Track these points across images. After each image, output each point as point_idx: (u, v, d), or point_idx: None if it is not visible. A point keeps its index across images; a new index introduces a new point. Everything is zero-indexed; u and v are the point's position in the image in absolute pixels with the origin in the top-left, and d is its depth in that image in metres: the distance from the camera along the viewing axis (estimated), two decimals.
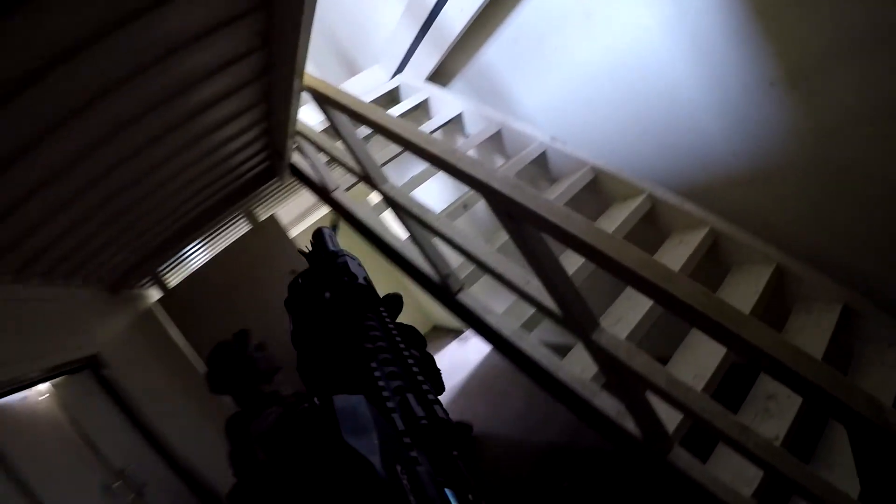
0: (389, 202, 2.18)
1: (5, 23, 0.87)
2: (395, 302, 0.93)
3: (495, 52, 2.63)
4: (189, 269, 3.69)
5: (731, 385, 1.79)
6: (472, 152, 2.88)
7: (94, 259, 2.26)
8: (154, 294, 3.44)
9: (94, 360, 2.10)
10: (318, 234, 1.13)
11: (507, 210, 1.34)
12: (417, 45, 2.90)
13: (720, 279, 2.10)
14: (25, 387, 1.67)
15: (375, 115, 1.82)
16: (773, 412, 1.66)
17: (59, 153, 1.41)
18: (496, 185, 1.33)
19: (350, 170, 2.40)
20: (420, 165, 2.55)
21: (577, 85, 2.38)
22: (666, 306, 1.14)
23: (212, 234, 3.54)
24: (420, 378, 0.71)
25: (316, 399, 0.72)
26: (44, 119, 1.24)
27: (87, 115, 1.30)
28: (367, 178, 2.23)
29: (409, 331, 0.87)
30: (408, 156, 2.11)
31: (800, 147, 1.85)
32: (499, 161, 2.90)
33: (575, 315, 1.48)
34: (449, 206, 2.37)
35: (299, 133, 2.57)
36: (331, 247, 1.07)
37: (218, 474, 2.08)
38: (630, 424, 1.65)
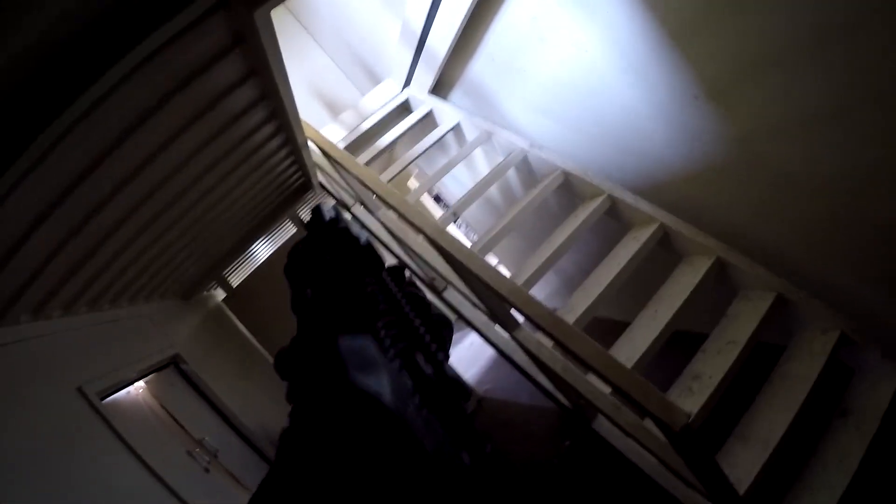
0: (384, 226, 2.61)
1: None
2: (398, 271, 1.01)
3: (480, 67, 2.94)
4: (248, 271, 4.33)
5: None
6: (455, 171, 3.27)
7: (171, 276, 2.90)
8: (219, 294, 4.12)
9: (176, 358, 2.75)
10: (317, 208, 1.17)
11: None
12: (416, 63, 3.25)
13: (673, 266, 2.40)
14: (128, 385, 2.32)
15: (357, 169, 2.21)
16: (694, 391, 1.96)
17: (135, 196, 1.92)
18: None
19: (351, 196, 2.84)
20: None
21: (545, 97, 2.65)
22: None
23: (266, 238, 4.13)
24: (427, 339, 0.79)
25: (309, 291, 0.80)
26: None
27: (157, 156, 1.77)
28: (364, 203, 2.67)
29: (414, 297, 0.96)
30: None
31: (729, 151, 2.06)
32: (491, 163, 3.24)
33: (501, 318, 1.88)
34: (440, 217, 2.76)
35: (316, 164, 3.03)
36: (330, 216, 1.10)
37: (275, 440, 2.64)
38: (561, 396, 2.03)
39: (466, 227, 5.83)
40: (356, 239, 0.90)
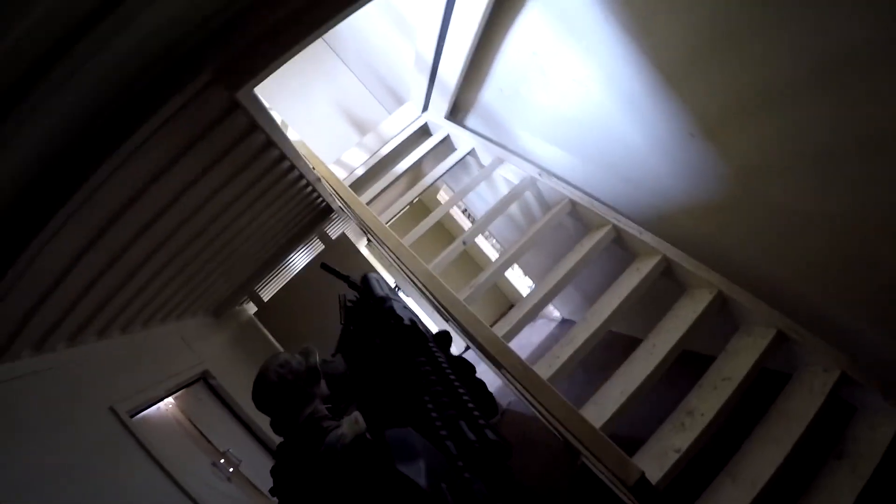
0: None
1: None
2: (444, 338, 1.04)
3: (490, 96, 3.01)
4: (279, 285, 4.54)
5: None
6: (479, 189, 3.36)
7: (201, 296, 3.11)
8: (251, 308, 4.35)
9: (204, 374, 2.95)
10: (364, 281, 1.24)
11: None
12: (431, 90, 3.36)
13: (677, 297, 2.41)
14: (157, 402, 2.52)
15: (360, 209, 2.32)
16: (686, 426, 1.98)
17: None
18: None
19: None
20: None
21: (551, 127, 2.70)
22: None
23: (297, 252, 4.31)
24: (471, 406, 0.84)
25: (368, 434, 0.90)
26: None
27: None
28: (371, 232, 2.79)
29: (459, 362, 1.00)
30: None
31: (728, 187, 2.06)
32: (509, 182, 3.31)
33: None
34: (449, 248, 2.83)
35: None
36: (378, 292, 1.17)
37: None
38: None
39: (494, 239, 5.90)
40: (401, 319, 0.96)
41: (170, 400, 2.68)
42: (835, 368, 1.94)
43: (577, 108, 2.41)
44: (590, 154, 2.60)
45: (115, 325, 2.38)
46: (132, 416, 2.24)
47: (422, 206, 6.33)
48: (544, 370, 2.28)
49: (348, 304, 1.17)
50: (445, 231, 6.77)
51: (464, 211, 6.30)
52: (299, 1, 1.39)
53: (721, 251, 2.26)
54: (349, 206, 2.35)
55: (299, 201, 3.03)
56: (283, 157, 2.18)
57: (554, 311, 5.51)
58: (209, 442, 2.66)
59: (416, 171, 3.78)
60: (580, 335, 2.30)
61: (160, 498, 2.12)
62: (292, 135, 2.89)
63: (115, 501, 1.94)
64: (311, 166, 2.57)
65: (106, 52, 1.06)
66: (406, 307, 1.05)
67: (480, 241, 5.89)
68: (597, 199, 2.70)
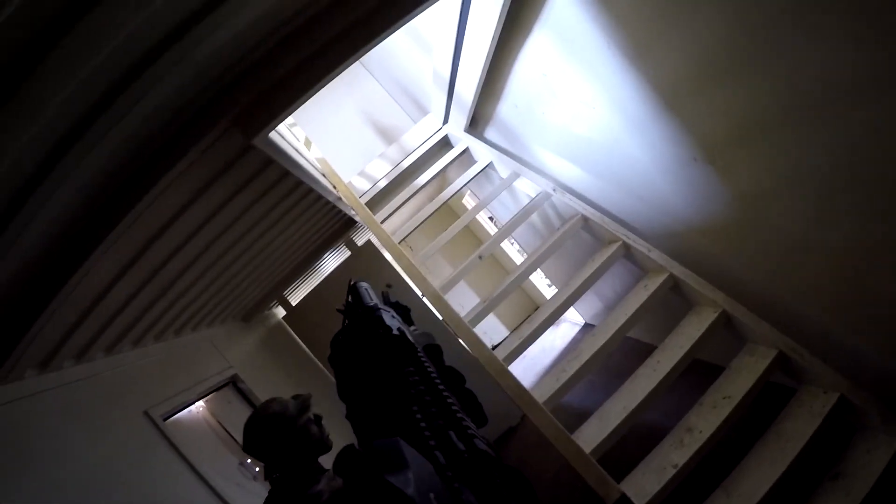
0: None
1: None
2: (434, 350, 1.07)
3: (506, 111, 3.08)
4: (307, 290, 4.72)
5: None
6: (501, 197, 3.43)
7: (231, 304, 3.30)
8: (280, 312, 4.54)
9: (234, 378, 3.14)
10: (354, 290, 1.24)
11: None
12: (450, 104, 3.45)
13: (685, 313, 2.45)
14: (189, 405, 2.71)
15: (374, 228, 2.42)
16: (685, 443, 2.03)
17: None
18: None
19: None
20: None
21: (564, 145, 2.76)
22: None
23: (326, 256, 4.48)
24: (460, 415, 0.84)
25: (356, 445, 0.82)
26: None
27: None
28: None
29: (450, 372, 1.02)
30: None
31: (732, 210, 2.08)
32: (521, 202, 3.38)
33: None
34: (466, 262, 2.93)
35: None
36: (367, 301, 1.16)
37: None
38: None
39: (519, 245, 5.95)
40: (389, 329, 0.97)
41: (201, 403, 2.86)
42: (834, 391, 1.96)
43: (587, 128, 2.46)
44: (601, 171, 2.64)
45: (149, 335, 2.57)
46: (165, 420, 2.42)
47: (449, 210, 6.43)
48: (552, 383, 2.36)
49: (337, 309, 1.18)
50: (472, 234, 6.86)
51: (490, 218, 6.38)
52: (309, 49, 1.50)
53: (726, 270, 2.28)
54: (366, 225, 2.46)
55: (322, 216, 3.18)
56: (300, 182, 2.31)
57: (577, 316, 5.54)
58: (237, 442, 2.84)
59: (442, 178, 3.87)
60: (587, 351, 2.36)
61: (191, 496, 2.29)
62: (314, 152, 3.03)
63: (151, 498, 2.12)
64: (332, 185, 2.69)
65: (129, 116, 1.19)
66: (394, 316, 1.06)
67: (506, 245, 5.97)
68: (608, 215, 2.74)
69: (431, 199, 3.91)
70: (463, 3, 2.31)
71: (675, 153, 2.10)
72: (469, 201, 5.99)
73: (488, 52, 2.48)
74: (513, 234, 4.88)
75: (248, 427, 1.49)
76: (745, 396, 2.02)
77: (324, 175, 2.77)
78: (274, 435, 1.43)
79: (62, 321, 1.92)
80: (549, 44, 2.26)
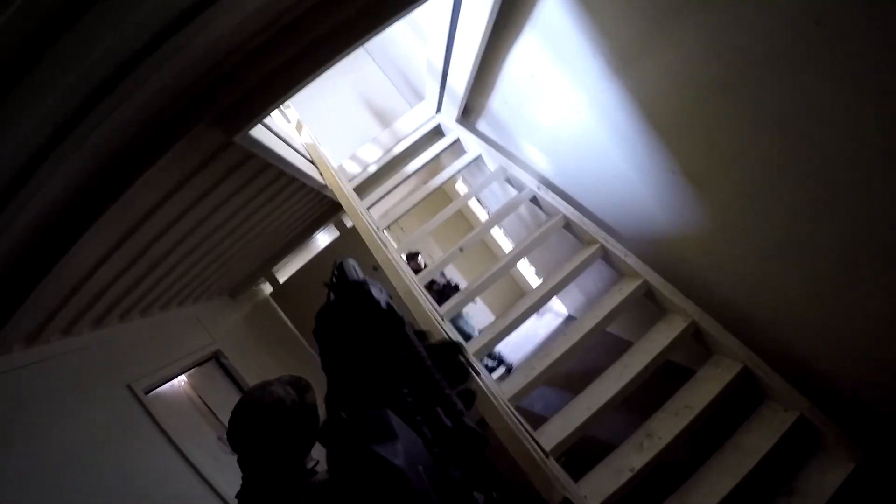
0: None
1: None
2: (423, 334, 1.04)
3: (497, 106, 3.09)
4: (295, 268, 4.77)
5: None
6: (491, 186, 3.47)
7: (218, 281, 3.35)
8: (267, 289, 4.60)
9: (217, 353, 3.21)
10: (340, 266, 1.18)
11: None
12: (443, 94, 3.45)
13: (660, 315, 2.52)
14: (171, 379, 2.78)
15: (356, 219, 2.45)
16: (644, 447, 2.10)
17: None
18: None
19: None
20: None
21: (550, 144, 2.79)
22: None
23: (317, 233, 4.51)
24: (447, 392, 0.85)
25: (344, 414, 0.76)
26: None
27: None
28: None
29: (440, 347, 1.01)
30: None
31: (709, 224, 2.12)
32: (510, 193, 3.41)
33: None
34: (448, 252, 2.98)
35: None
36: (353, 276, 1.13)
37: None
38: None
39: (505, 231, 6.00)
40: (377, 303, 0.95)
41: (183, 377, 2.94)
42: (794, 410, 2.03)
43: (573, 130, 2.48)
44: (585, 173, 2.68)
45: (135, 310, 2.63)
46: (147, 393, 2.50)
47: (442, 194, 6.46)
48: (521, 378, 2.45)
49: (324, 283, 1.12)
50: (464, 218, 6.90)
51: (478, 199, 6.41)
52: (290, 52, 1.52)
53: (699, 281, 2.33)
54: (348, 214, 2.50)
55: (309, 200, 3.22)
56: (282, 172, 2.35)
57: (562, 307, 5.62)
58: (216, 417, 2.93)
59: (436, 162, 3.89)
60: (556, 350, 2.44)
61: (168, 467, 2.39)
62: (305, 136, 3.05)
63: (130, 471, 2.20)
64: (319, 171, 2.72)
65: (116, 112, 1.24)
66: (382, 290, 1.03)
67: (496, 232, 6.01)
68: (589, 217, 2.79)
69: (425, 182, 3.95)
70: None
71: (654, 163, 2.13)
72: (462, 187, 6.01)
73: (479, 48, 2.49)
74: (502, 223, 4.95)
75: (241, 416, 1.20)
76: (705, 407, 2.10)
77: (311, 161, 2.80)
78: (272, 427, 1.17)
79: (51, 297, 1.98)
80: (537, 46, 2.27)
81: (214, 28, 1.29)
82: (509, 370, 4.91)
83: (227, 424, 1.23)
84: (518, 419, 2.05)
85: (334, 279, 1.11)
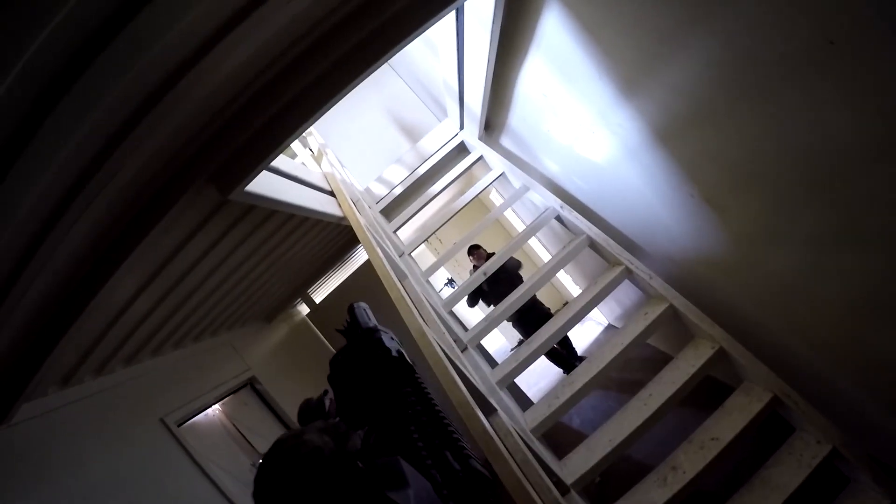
0: None
1: None
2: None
3: (516, 123, 3.03)
4: (330, 288, 4.85)
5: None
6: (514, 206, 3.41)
7: (251, 309, 3.45)
8: (303, 310, 4.69)
9: (251, 380, 3.31)
10: (351, 310, 1.27)
11: None
12: (463, 112, 3.42)
13: (686, 341, 2.39)
14: (205, 409, 2.89)
15: (371, 254, 2.43)
16: (668, 482, 2.00)
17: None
18: None
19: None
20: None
21: (570, 162, 2.70)
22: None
23: (346, 261, 4.59)
24: (456, 436, 0.87)
25: (360, 463, 0.81)
26: None
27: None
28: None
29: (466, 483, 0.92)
30: None
31: (729, 248, 2.00)
32: (533, 214, 3.33)
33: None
34: (472, 277, 2.94)
35: None
36: (364, 322, 1.19)
37: None
38: None
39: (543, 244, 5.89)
40: (388, 351, 0.97)
41: (217, 406, 3.04)
42: (827, 443, 1.87)
43: (590, 150, 2.40)
44: (606, 193, 2.59)
45: (168, 343, 2.74)
46: (180, 426, 2.60)
47: (479, 203, 6.42)
48: (543, 409, 2.38)
49: (337, 330, 1.18)
50: (501, 227, 6.84)
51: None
52: (277, 107, 1.54)
53: (726, 305, 2.20)
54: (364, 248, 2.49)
55: (329, 232, 3.26)
56: (292, 215, 2.40)
57: (601, 317, 5.47)
58: (250, 444, 3.01)
59: (469, 174, 3.86)
60: (580, 379, 2.36)
61: (202, 498, 2.47)
62: (325, 164, 3.08)
63: (164, 503, 2.30)
64: (338, 203, 2.75)
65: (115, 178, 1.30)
66: (393, 338, 1.06)
67: (534, 242, 5.91)
68: (614, 235, 2.68)
69: (462, 192, 3.93)
70: (457, 21, 2.28)
71: (672, 186, 2.03)
72: (497, 196, 5.96)
73: (488, 68, 2.44)
74: (538, 235, 4.86)
75: (272, 472, 0.96)
76: (733, 440, 1.97)
77: (331, 193, 2.83)
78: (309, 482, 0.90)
79: (83, 340, 2.08)
80: (544, 67, 2.21)
81: (197, 90, 1.32)
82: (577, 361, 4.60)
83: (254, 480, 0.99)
84: (534, 454, 1.99)
85: (347, 324, 1.18)
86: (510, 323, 4.32)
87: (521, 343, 4.45)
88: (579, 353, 4.71)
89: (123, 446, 2.28)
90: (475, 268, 4.50)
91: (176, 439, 2.51)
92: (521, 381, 4.85)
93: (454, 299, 3.06)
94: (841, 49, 1.11)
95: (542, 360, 3.79)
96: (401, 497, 0.53)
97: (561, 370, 4.64)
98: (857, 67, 1.13)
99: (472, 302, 4.34)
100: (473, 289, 3.17)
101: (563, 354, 4.51)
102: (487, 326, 2.81)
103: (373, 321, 1.17)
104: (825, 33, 1.13)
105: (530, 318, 4.32)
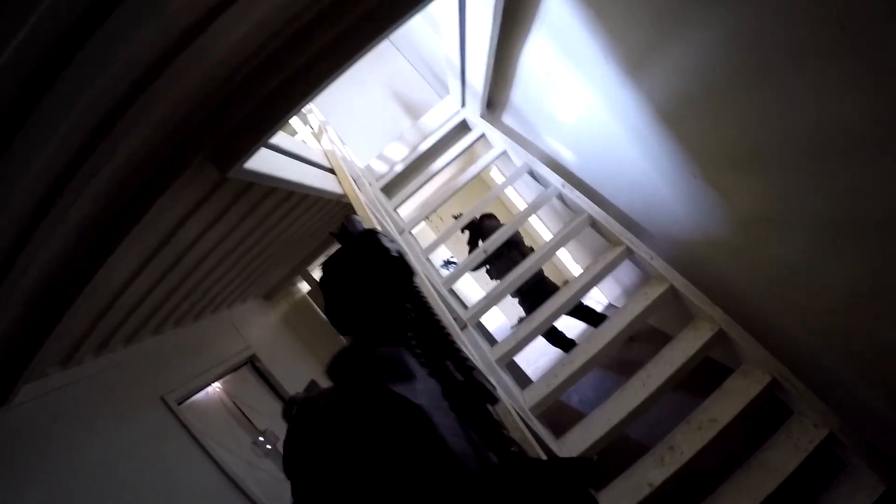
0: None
1: None
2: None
3: (519, 100, 2.98)
4: None
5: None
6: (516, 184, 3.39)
7: (252, 286, 3.45)
8: (304, 287, 4.69)
9: (251, 358, 3.32)
10: (347, 218, 1.17)
11: None
12: (465, 89, 3.37)
13: (686, 322, 2.39)
14: (205, 387, 2.90)
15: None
16: (665, 462, 2.02)
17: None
18: None
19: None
20: None
21: (573, 140, 2.67)
22: None
23: None
24: (457, 346, 0.80)
25: (359, 348, 0.74)
26: None
27: None
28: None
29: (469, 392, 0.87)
30: None
31: (732, 230, 1.98)
32: (535, 191, 3.30)
33: None
34: (474, 254, 2.94)
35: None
36: (361, 227, 1.10)
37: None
38: None
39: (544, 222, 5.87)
40: (387, 250, 0.91)
41: (217, 383, 3.06)
42: (825, 427, 1.88)
43: (593, 129, 2.36)
44: (608, 172, 2.56)
45: (168, 322, 2.74)
46: (180, 403, 2.61)
47: (480, 181, 6.39)
48: (542, 388, 2.40)
49: (331, 233, 1.10)
50: (502, 204, 6.81)
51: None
52: (278, 80, 1.51)
53: (727, 287, 2.19)
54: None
55: (331, 209, 3.24)
56: (292, 192, 2.38)
57: (602, 296, 5.48)
58: (250, 421, 3.04)
59: (471, 151, 3.83)
60: (579, 358, 2.37)
61: (203, 477, 2.50)
62: (326, 142, 3.05)
63: (164, 481, 2.32)
64: (338, 180, 2.72)
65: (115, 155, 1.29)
66: (393, 240, 0.97)
67: (534, 220, 5.87)
68: (615, 214, 2.66)
69: (463, 169, 3.89)
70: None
71: (676, 167, 2.00)
72: (497, 174, 5.91)
73: (490, 45, 2.39)
74: (538, 214, 4.82)
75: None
76: (731, 422, 1.98)
77: (331, 170, 2.80)
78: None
79: (83, 318, 2.06)
80: (547, 44, 2.16)
81: (198, 64, 1.29)
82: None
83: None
84: (533, 432, 2.01)
85: (342, 228, 1.09)
86: (515, 300, 4.27)
87: (521, 321, 4.43)
88: (574, 338, 4.69)
89: (124, 425, 2.30)
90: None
91: (177, 417, 2.53)
92: (521, 358, 4.86)
93: (454, 277, 3.05)
94: (851, 33, 1.08)
95: (542, 338, 3.80)
96: (407, 390, 0.45)
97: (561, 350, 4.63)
98: (866, 53, 1.09)
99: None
100: (475, 264, 3.18)
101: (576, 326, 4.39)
102: (487, 304, 2.81)
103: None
104: (837, 17, 1.09)
105: (536, 294, 4.28)
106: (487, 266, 4.19)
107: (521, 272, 2.78)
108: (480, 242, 3.79)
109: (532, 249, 4.14)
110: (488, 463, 0.49)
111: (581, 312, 4.21)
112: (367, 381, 0.45)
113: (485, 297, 2.84)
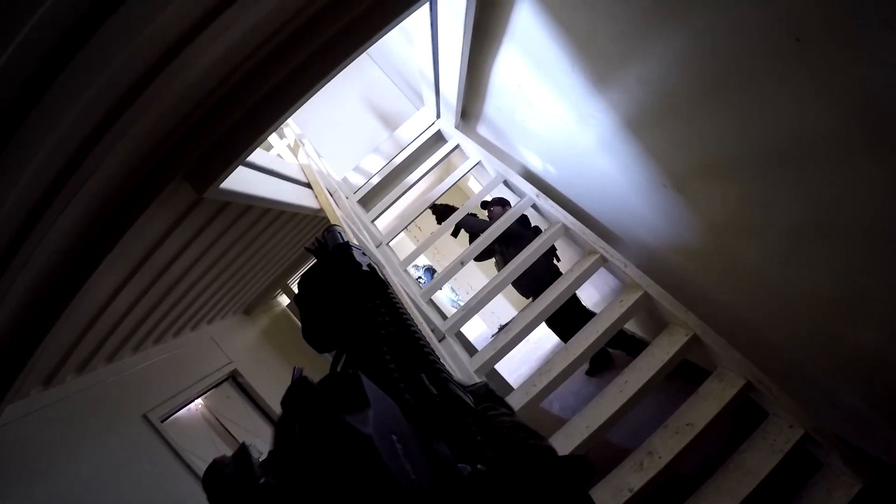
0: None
1: None
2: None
3: (492, 112, 3.03)
4: None
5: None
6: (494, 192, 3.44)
7: (231, 301, 3.44)
8: (284, 301, 4.68)
9: (233, 373, 3.31)
10: (328, 230, 1.11)
11: None
12: (439, 100, 3.41)
13: (661, 329, 2.45)
14: (188, 404, 2.88)
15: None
16: (644, 466, 2.07)
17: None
18: None
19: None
20: None
21: (545, 150, 2.73)
22: None
23: None
24: (432, 358, 0.74)
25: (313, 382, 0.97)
26: None
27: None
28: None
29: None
30: None
31: (702, 238, 2.05)
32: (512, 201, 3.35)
33: None
34: (449, 265, 2.98)
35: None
36: (338, 240, 1.04)
37: None
38: None
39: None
40: (359, 265, 0.90)
41: (199, 400, 3.04)
42: (799, 427, 1.94)
43: (564, 140, 2.42)
44: (580, 181, 2.62)
45: (149, 340, 2.73)
46: (163, 421, 2.60)
47: (458, 190, 6.43)
48: (521, 396, 2.43)
49: (306, 248, 1.17)
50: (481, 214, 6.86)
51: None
52: (253, 101, 1.53)
53: (701, 293, 2.26)
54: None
55: (307, 224, 3.25)
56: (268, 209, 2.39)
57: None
58: (233, 436, 3.02)
59: (448, 161, 3.85)
60: (558, 366, 2.40)
61: (186, 492, 2.48)
62: (302, 156, 3.06)
63: (148, 499, 2.30)
64: (315, 194, 2.74)
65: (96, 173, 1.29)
66: (365, 254, 0.98)
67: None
68: (590, 223, 2.72)
69: (441, 180, 3.91)
70: (431, 12, 2.26)
71: (645, 176, 2.06)
72: (475, 184, 5.97)
73: (462, 59, 2.44)
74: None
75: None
76: (707, 425, 2.03)
77: (308, 185, 2.81)
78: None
79: (64, 340, 2.06)
80: (518, 58, 2.21)
81: (174, 84, 1.30)
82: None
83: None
84: None
85: (317, 243, 1.12)
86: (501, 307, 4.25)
87: (501, 329, 4.44)
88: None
89: (107, 444, 2.28)
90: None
91: (160, 435, 2.51)
92: (502, 367, 4.89)
93: (432, 288, 3.08)
94: (808, 45, 1.14)
95: (523, 346, 3.82)
96: (357, 420, 0.48)
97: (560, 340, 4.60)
98: (825, 62, 1.15)
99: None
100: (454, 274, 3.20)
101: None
102: (465, 315, 2.84)
103: (346, 240, 1.12)
104: (791, 30, 1.15)
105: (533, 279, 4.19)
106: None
107: (498, 282, 2.82)
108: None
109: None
110: (454, 480, 0.52)
111: (556, 324, 4.21)
112: (319, 415, 0.46)
113: (462, 308, 2.87)
